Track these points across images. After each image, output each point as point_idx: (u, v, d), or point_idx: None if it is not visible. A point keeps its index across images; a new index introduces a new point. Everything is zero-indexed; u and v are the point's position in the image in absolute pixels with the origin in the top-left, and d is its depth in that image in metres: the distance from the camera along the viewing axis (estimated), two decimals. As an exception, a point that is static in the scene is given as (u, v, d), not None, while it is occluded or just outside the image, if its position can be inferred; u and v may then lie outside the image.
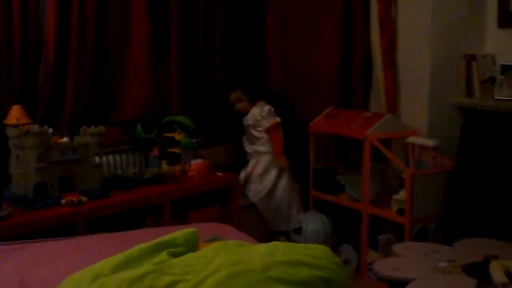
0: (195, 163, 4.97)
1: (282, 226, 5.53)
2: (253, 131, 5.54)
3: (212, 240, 2.85)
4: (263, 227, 5.55)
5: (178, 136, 5.06)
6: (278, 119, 5.48)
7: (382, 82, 5.16)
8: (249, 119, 5.53)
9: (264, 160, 5.53)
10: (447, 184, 4.72)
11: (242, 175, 5.57)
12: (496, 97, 4.73)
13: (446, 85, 4.97)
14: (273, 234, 5.47)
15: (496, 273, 3.42)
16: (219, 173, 5.08)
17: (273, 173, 5.52)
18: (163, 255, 2.27)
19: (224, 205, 5.08)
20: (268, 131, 5.47)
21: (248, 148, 5.63)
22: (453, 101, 4.99)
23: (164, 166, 4.91)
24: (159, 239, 2.38)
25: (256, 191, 5.54)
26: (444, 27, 4.89)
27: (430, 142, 4.63)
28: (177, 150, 5.04)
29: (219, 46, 5.67)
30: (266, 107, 5.48)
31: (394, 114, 5.04)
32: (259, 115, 5.45)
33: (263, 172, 5.53)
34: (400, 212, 4.63)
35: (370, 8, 5.25)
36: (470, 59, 4.89)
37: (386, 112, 5.08)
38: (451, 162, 4.72)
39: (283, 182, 5.55)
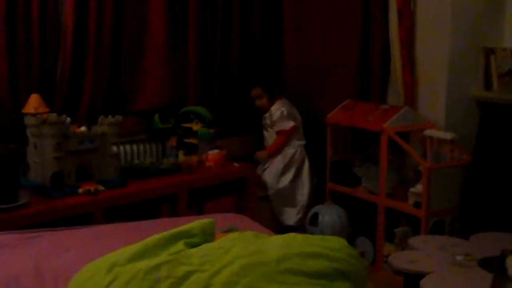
0: (212, 153, 4.97)
1: (289, 221, 5.55)
2: (271, 129, 5.58)
3: (229, 230, 2.85)
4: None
5: (195, 127, 5.07)
6: (291, 124, 5.50)
7: (400, 75, 5.13)
8: (267, 118, 5.58)
9: (283, 157, 5.56)
10: (464, 178, 4.71)
11: (260, 170, 5.58)
12: (514, 91, 4.71)
13: (464, 78, 4.94)
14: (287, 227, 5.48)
15: (513, 267, 3.40)
16: (235, 164, 5.08)
17: (292, 171, 5.55)
18: (179, 245, 2.27)
19: (241, 196, 5.09)
20: (278, 133, 5.51)
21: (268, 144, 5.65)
22: (471, 94, 4.96)
23: (181, 156, 4.92)
24: (176, 229, 2.38)
25: (272, 186, 5.55)
26: (463, 20, 4.87)
27: (448, 135, 4.61)
28: (194, 141, 5.05)
29: (237, 37, 5.67)
30: (285, 110, 5.49)
31: (411, 107, 5.02)
32: (276, 116, 5.48)
33: (282, 169, 5.54)
34: (417, 205, 4.62)
35: (389, 1, 5.22)
36: (489, 52, 4.86)
37: (403, 104, 5.06)
38: (468, 156, 4.70)
39: (303, 178, 5.60)
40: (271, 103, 5.54)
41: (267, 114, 5.57)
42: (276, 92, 5.61)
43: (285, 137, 5.52)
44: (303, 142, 5.64)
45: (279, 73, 6.01)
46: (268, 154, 5.56)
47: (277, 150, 5.54)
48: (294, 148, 5.57)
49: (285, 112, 5.47)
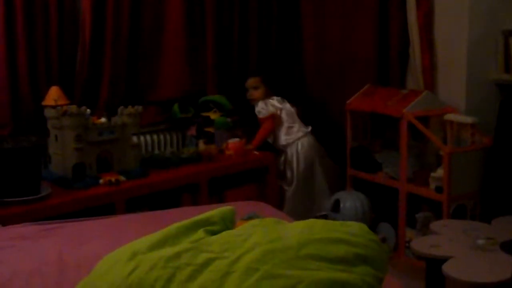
0: (232, 142, 4.98)
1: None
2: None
3: (249, 218, 2.86)
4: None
5: (213, 116, 5.07)
6: (273, 110, 5.37)
7: (419, 59, 5.11)
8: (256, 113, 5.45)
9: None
10: (485, 162, 4.68)
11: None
12: (535, 73, 4.68)
13: (484, 61, 4.91)
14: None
15: (535, 250, 3.40)
16: (256, 152, 5.08)
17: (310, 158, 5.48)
18: (200, 233, 2.28)
19: (261, 184, 5.10)
20: (262, 120, 5.39)
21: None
22: (491, 78, 4.94)
23: (201, 146, 4.93)
24: (196, 217, 2.39)
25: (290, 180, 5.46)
26: (481, 3, 4.83)
27: (468, 119, 4.59)
28: (213, 130, 5.06)
29: (255, 25, 5.66)
30: (267, 100, 5.39)
31: (431, 91, 5.00)
32: (257, 107, 5.39)
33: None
34: (438, 189, 4.60)
35: (407, -15, 5.21)
36: (509, 34, 4.83)
37: (423, 89, 5.04)
38: (489, 139, 4.68)
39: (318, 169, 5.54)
40: (265, 96, 5.43)
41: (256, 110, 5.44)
42: (275, 90, 5.51)
43: (270, 122, 5.38)
44: (306, 130, 5.54)
45: (292, 66, 5.98)
46: (254, 146, 5.29)
47: (262, 140, 5.36)
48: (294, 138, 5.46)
49: (266, 102, 5.38)
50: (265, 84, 5.42)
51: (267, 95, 5.41)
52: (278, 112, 5.39)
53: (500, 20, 4.90)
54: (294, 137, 5.40)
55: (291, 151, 5.39)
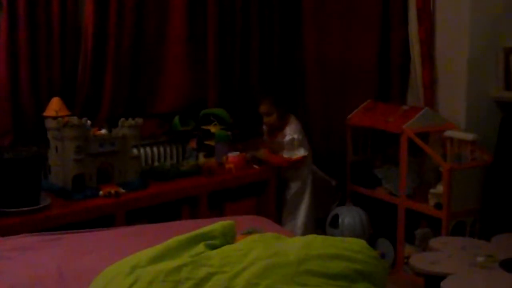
0: (232, 155, 4.98)
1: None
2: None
3: (249, 232, 2.86)
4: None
5: (213, 129, 5.07)
6: (305, 153, 5.13)
7: (420, 75, 5.12)
8: (278, 141, 5.18)
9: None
10: (485, 179, 4.68)
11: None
12: (535, 91, 4.69)
13: (484, 78, 4.93)
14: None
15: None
16: (256, 166, 5.08)
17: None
18: (200, 247, 2.28)
19: (261, 198, 5.09)
20: (290, 160, 5.12)
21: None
22: (491, 95, 4.95)
23: (201, 159, 4.94)
24: (196, 231, 2.39)
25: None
26: (483, 20, 4.85)
27: (468, 136, 4.60)
28: (213, 143, 5.06)
29: (257, 38, 5.65)
30: (297, 136, 5.09)
31: (431, 108, 5.01)
32: (287, 142, 5.09)
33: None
34: (438, 206, 4.60)
35: (408, 1, 5.22)
36: (509, 52, 4.84)
37: (423, 105, 5.05)
38: (489, 156, 4.68)
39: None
40: (282, 120, 5.15)
41: (279, 138, 5.17)
42: (287, 109, 5.23)
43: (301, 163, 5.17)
44: (311, 170, 5.39)
45: (294, 80, 5.98)
46: (269, 158, 5.12)
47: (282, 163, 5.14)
48: (301, 179, 5.29)
49: (296, 139, 5.10)
50: (276, 106, 5.12)
51: (282, 118, 5.15)
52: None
53: (501, 37, 4.92)
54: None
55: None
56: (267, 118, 5.15)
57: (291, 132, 5.11)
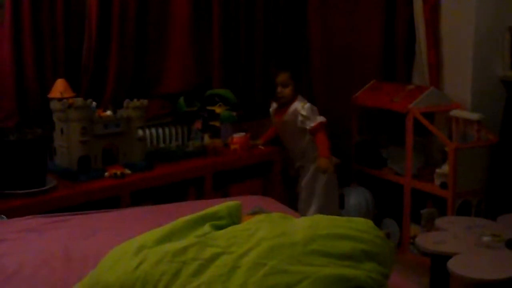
0: (237, 136, 4.98)
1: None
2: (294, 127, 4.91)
3: (255, 212, 2.85)
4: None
5: (218, 110, 5.07)
6: (323, 119, 4.80)
7: (425, 55, 5.11)
8: (289, 115, 4.89)
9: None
10: (490, 158, 4.68)
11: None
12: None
13: (490, 57, 4.92)
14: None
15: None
16: (261, 146, 5.08)
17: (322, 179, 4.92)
18: (206, 228, 2.28)
19: (266, 179, 5.09)
20: (313, 131, 4.80)
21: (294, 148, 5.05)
22: (497, 74, 4.94)
23: (207, 139, 4.93)
24: (202, 212, 2.39)
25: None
26: (487, 0, 4.83)
27: (474, 116, 4.59)
28: (218, 124, 5.05)
29: (261, 18, 5.63)
30: (308, 104, 4.82)
31: (437, 87, 5.00)
32: (306, 111, 4.78)
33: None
34: (443, 186, 4.60)
35: (413, -20, 5.20)
36: (515, 31, 4.83)
37: (429, 85, 5.04)
38: (495, 136, 4.68)
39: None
40: (294, 95, 4.89)
41: (289, 111, 4.88)
42: (301, 86, 5.10)
43: (324, 131, 4.79)
44: None
45: (299, 60, 5.92)
46: (326, 157, 4.76)
47: (327, 147, 4.78)
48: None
49: (311, 107, 4.82)
50: (294, 80, 4.90)
51: (296, 92, 4.92)
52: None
53: (507, 17, 4.90)
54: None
55: None
56: (283, 89, 4.87)
57: (303, 102, 4.85)
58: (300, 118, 4.81)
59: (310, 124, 4.77)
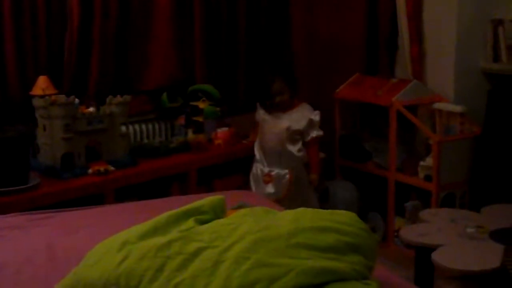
0: (221, 131, 4.98)
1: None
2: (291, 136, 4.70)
3: (239, 207, 2.86)
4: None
5: (202, 105, 5.06)
6: (321, 133, 4.72)
7: (408, 48, 5.11)
8: (292, 121, 4.67)
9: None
10: (474, 150, 4.70)
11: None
12: (523, 62, 4.69)
13: (472, 50, 4.92)
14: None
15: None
16: (244, 141, 5.08)
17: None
18: (190, 222, 2.28)
19: (250, 173, 5.08)
20: (310, 142, 4.71)
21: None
22: (479, 67, 4.94)
23: (190, 135, 4.93)
24: (186, 207, 2.38)
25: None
26: (471, -8, 4.85)
27: (457, 108, 4.61)
28: (201, 119, 5.05)
29: (244, 13, 5.62)
30: (317, 115, 4.67)
31: (420, 80, 5.01)
32: (317, 118, 4.66)
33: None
34: (427, 178, 4.62)
35: (396, -27, 5.20)
36: (497, 23, 4.83)
37: (412, 78, 5.05)
38: (478, 128, 4.69)
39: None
40: (292, 99, 4.73)
41: (292, 116, 4.68)
42: (297, 87, 4.87)
43: (317, 145, 4.77)
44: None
45: (281, 55, 5.92)
46: (316, 173, 4.78)
47: (318, 162, 4.82)
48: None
49: (317, 119, 4.67)
50: (288, 86, 4.72)
51: (293, 96, 4.74)
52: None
53: (489, 9, 4.90)
54: None
55: None
56: (280, 97, 4.69)
57: (306, 111, 4.71)
58: (305, 122, 4.66)
59: (312, 135, 4.68)
